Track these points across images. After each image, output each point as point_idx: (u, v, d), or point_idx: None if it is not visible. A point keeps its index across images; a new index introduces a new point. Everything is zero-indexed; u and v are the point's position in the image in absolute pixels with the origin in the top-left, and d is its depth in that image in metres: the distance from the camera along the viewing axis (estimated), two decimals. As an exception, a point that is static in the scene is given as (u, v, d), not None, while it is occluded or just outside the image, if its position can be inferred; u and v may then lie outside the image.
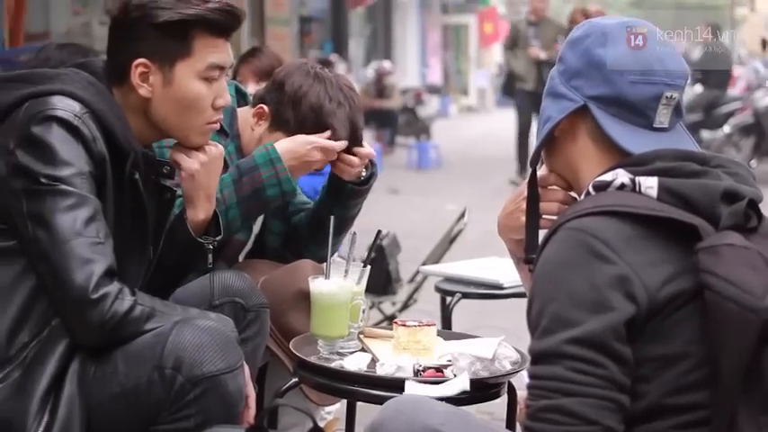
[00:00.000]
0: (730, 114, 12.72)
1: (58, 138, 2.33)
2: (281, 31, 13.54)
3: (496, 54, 27.87)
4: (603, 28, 2.04)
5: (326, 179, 3.21)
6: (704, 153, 2.00)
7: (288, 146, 3.01)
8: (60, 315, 2.34)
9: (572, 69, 2.05)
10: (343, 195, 3.18)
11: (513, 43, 12.73)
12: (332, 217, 2.90)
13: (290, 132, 3.05)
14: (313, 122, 3.04)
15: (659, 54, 2.02)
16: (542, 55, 12.10)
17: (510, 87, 13.01)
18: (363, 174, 3.18)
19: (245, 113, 3.15)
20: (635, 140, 1.99)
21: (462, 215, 5.22)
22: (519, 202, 2.26)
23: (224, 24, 2.53)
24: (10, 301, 2.35)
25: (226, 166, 2.94)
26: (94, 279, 2.28)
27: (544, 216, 2.17)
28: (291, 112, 3.05)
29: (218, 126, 2.64)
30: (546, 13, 12.95)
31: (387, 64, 18.56)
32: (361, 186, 3.18)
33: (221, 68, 2.55)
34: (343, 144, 3.01)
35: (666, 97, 2.00)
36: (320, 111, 3.04)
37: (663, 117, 2.01)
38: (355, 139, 3.09)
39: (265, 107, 3.10)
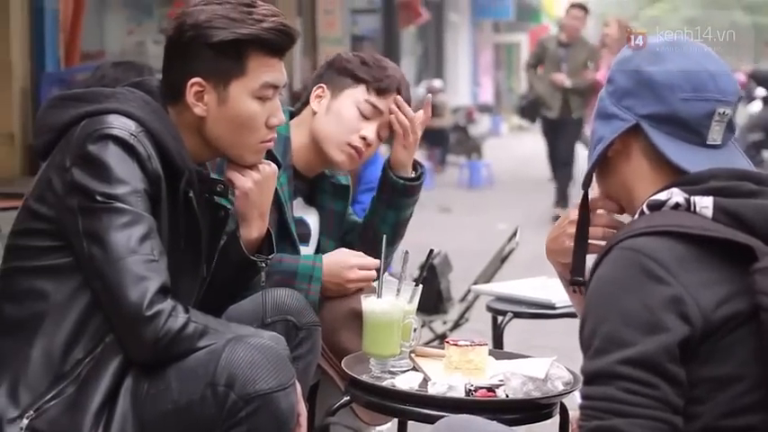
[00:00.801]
0: None
1: (113, 156, 2.35)
2: (333, 50, 13.57)
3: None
4: (653, 46, 2.04)
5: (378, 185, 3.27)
6: (760, 173, 1.98)
7: (332, 267, 3.04)
8: (114, 332, 2.36)
9: (622, 89, 2.04)
10: (396, 194, 3.22)
11: (538, 62, 11.67)
12: (384, 235, 2.91)
13: (354, 83, 3.16)
14: (371, 64, 3.17)
15: (711, 71, 2.00)
16: (567, 82, 10.99)
17: (532, 111, 12.00)
18: (413, 173, 3.25)
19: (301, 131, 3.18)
20: (689, 158, 1.97)
21: (514, 234, 5.21)
22: (565, 227, 2.25)
23: (278, 44, 2.54)
24: (65, 317, 2.37)
25: (277, 196, 2.98)
26: (148, 296, 2.29)
27: (590, 241, 2.17)
28: (350, 65, 3.18)
29: (272, 144, 2.66)
30: (580, 34, 11.64)
31: (437, 83, 18.57)
32: (413, 182, 3.23)
33: (275, 87, 2.57)
34: (377, 263, 3.01)
35: (719, 114, 1.99)
36: (378, 60, 3.21)
37: (716, 134, 2.00)
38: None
39: (323, 85, 3.18)
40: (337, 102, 3.16)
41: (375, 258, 3.02)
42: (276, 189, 2.90)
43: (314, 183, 3.26)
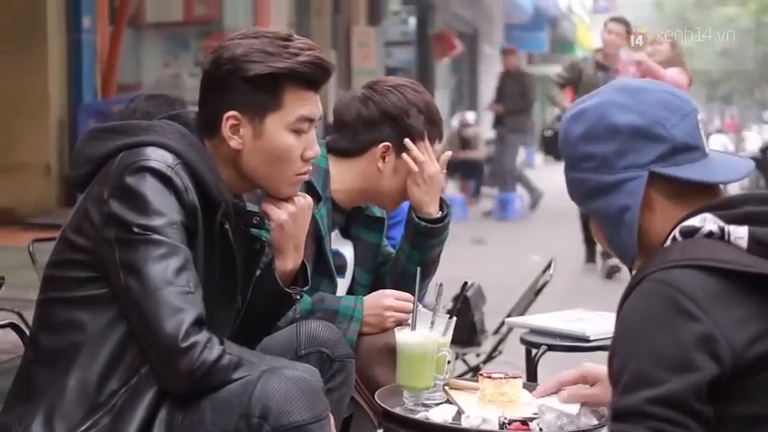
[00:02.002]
0: None
1: (151, 188, 2.37)
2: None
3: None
4: (609, 102, 2.01)
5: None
6: None
7: (372, 302, 3.09)
8: (150, 363, 2.37)
9: (609, 155, 1.98)
10: (420, 236, 3.21)
11: (566, 83, 10.10)
12: (418, 269, 2.92)
13: (420, 138, 3.18)
14: (429, 116, 3.20)
15: (667, 90, 2.03)
16: None
17: (554, 143, 10.08)
18: (438, 213, 3.23)
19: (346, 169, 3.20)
20: (709, 173, 1.96)
21: (548, 266, 5.19)
22: None
23: (314, 77, 2.56)
24: (101, 348, 2.38)
25: (317, 229, 3.01)
26: (184, 328, 2.30)
27: None
28: (413, 121, 3.18)
29: (307, 177, 2.67)
30: (620, 53, 9.84)
31: (470, 115, 18.58)
32: (435, 225, 3.21)
33: (311, 120, 2.58)
34: (411, 298, 3.02)
35: (700, 121, 2.00)
36: (434, 111, 3.23)
37: (705, 140, 2.01)
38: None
39: (388, 143, 3.17)
40: (401, 161, 3.17)
41: (407, 292, 3.06)
42: (317, 221, 2.92)
43: (349, 214, 3.27)
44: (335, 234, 3.22)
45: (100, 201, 2.39)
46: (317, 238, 3.07)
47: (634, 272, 2.06)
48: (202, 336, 2.32)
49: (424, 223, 3.21)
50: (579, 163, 2.03)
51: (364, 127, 3.17)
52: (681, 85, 8.20)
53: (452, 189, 15.74)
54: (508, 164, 15.08)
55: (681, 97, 2.01)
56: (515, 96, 14.70)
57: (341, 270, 3.22)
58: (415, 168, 3.17)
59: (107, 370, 2.37)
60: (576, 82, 9.84)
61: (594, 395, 2.46)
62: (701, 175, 1.96)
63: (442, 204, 3.27)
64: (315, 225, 3.04)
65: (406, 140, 3.16)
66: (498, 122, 14.84)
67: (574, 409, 2.51)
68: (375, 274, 3.31)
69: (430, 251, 3.25)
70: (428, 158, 3.18)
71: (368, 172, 3.17)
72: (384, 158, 3.16)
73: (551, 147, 10.95)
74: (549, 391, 2.52)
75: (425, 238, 3.22)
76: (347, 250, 3.27)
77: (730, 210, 1.90)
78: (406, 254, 3.25)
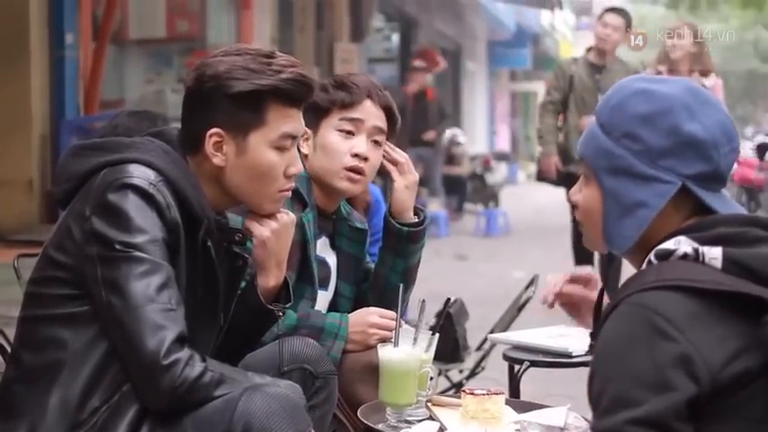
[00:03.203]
0: None
1: (133, 205, 2.37)
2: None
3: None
4: (680, 100, 1.97)
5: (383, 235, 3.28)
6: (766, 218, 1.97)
7: (357, 320, 3.08)
8: (131, 380, 2.36)
9: (657, 149, 1.96)
10: (402, 241, 3.23)
11: (563, 101, 8.12)
12: (401, 285, 2.93)
13: (325, 112, 3.17)
14: (331, 87, 3.19)
15: (730, 117, 2.00)
16: None
17: (546, 169, 8.24)
18: (415, 218, 3.26)
19: None
20: (726, 207, 1.97)
21: (531, 283, 5.20)
22: None
23: (297, 94, 2.56)
24: (82, 365, 2.37)
25: (304, 234, 3.02)
26: (166, 345, 2.30)
27: None
28: (313, 99, 3.13)
29: (289, 194, 2.67)
30: (616, 50, 8.19)
31: (459, 133, 18.61)
32: (417, 228, 3.23)
33: (293, 137, 2.58)
34: (391, 323, 3.02)
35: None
36: (338, 79, 3.22)
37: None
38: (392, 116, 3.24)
39: (306, 128, 3.18)
40: (319, 136, 3.19)
41: (391, 309, 3.07)
42: (303, 226, 2.93)
43: (334, 225, 3.28)
44: (323, 242, 3.23)
45: (82, 218, 2.39)
46: (302, 244, 3.07)
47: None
48: (184, 353, 2.32)
49: (406, 228, 3.23)
50: (623, 138, 1.98)
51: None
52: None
53: (435, 205, 15.76)
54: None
55: (735, 129, 2.00)
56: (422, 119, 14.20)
57: (324, 282, 3.22)
58: (396, 172, 3.20)
59: (88, 388, 2.37)
60: (565, 91, 8.06)
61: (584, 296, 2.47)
62: (722, 206, 1.96)
63: (416, 209, 3.31)
64: (301, 231, 3.05)
65: (386, 143, 3.20)
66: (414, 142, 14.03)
67: (558, 423, 2.52)
68: (358, 288, 3.32)
69: (413, 257, 3.28)
70: (406, 159, 3.22)
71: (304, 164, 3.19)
72: (306, 142, 3.20)
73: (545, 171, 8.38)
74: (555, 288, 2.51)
75: (408, 244, 3.24)
76: (332, 260, 3.27)
77: (703, 232, 1.90)
78: (390, 265, 3.26)
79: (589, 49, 8.28)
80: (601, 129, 2.03)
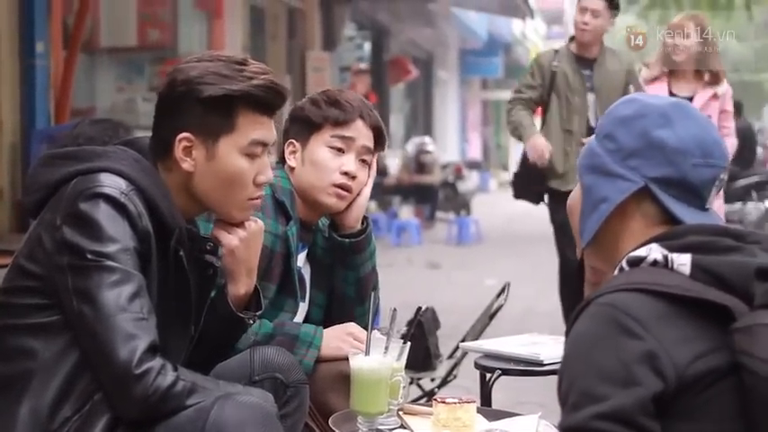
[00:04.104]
0: (750, 188, 12.57)
1: (104, 214, 2.37)
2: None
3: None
4: (660, 108, 2.03)
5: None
6: (739, 229, 2.00)
7: (333, 333, 3.09)
8: (103, 390, 2.36)
9: (627, 148, 2.02)
10: (349, 254, 3.23)
11: (532, 97, 6.71)
12: (372, 294, 2.94)
13: (317, 128, 3.18)
14: (324, 103, 3.20)
15: (715, 137, 2.03)
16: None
17: (526, 184, 6.88)
18: (358, 226, 3.26)
19: None
20: (697, 219, 1.99)
21: (503, 290, 5.21)
22: None
23: (268, 101, 2.57)
24: (53, 375, 2.37)
25: (288, 247, 3.06)
26: (138, 354, 2.30)
27: None
28: (305, 113, 3.22)
29: (260, 202, 2.67)
30: (602, 40, 6.75)
31: (428, 141, 18.65)
32: (359, 237, 3.23)
33: (264, 145, 2.59)
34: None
35: (720, 179, 2.02)
36: (331, 96, 3.22)
37: (711, 198, 2.03)
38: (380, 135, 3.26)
39: (293, 140, 3.22)
40: (308, 150, 3.19)
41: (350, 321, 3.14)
42: (288, 240, 2.93)
43: (313, 236, 3.28)
44: (303, 255, 3.23)
45: (53, 227, 2.38)
46: (286, 258, 3.08)
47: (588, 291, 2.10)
48: (156, 362, 2.32)
49: (348, 240, 3.23)
50: (604, 138, 2.06)
51: (283, 140, 3.26)
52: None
53: (407, 214, 15.78)
54: None
55: (720, 150, 2.02)
56: None
57: (302, 294, 3.22)
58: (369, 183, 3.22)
59: (59, 398, 2.36)
60: (544, 90, 6.68)
61: None
62: (685, 216, 1.98)
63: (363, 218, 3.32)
64: (285, 244, 3.06)
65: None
66: None
67: (530, 430, 2.52)
68: (330, 296, 3.31)
69: (363, 267, 3.27)
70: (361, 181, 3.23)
71: (289, 177, 3.21)
72: (294, 155, 3.21)
73: (522, 186, 6.98)
74: None
75: (355, 254, 3.24)
76: (307, 270, 3.28)
77: (675, 240, 1.93)
78: (342, 278, 3.26)
79: (571, 39, 6.82)
80: (595, 134, 2.12)
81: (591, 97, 6.66)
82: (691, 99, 6.10)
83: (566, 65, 6.70)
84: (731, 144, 6.41)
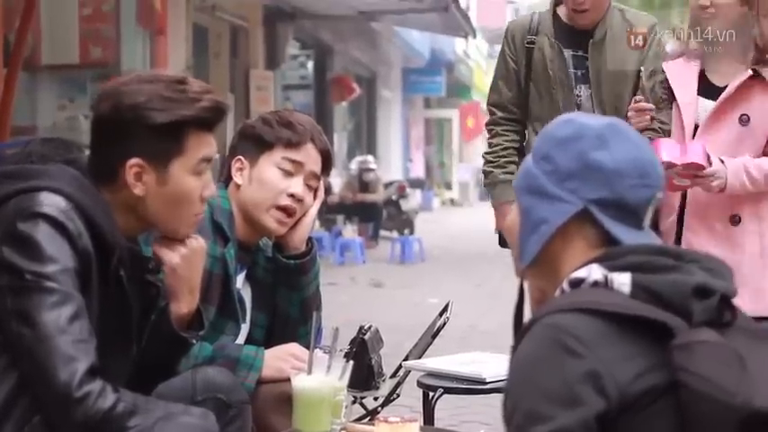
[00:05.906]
0: None
1: (43, 234, 2.34)
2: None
3: (480, 148, 27.86)
4: (596, 130, 2.04)
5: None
6: (678, 248, 2.03)
7: (275, 353, 3.09)
8: (43, 412, 2.33)
9: (564, 171, 2.03)
10: (294, 275, 3.23)
11: (515, 115, 4.52)
12: (314, 313, 2.94)
13: (267, 147, 3.18)
14: (276, 124, 3.19)
15: (650, 158, 2.05)
16: None
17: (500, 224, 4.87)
18: (303, 248, 3.25)
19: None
20: (636, 239, 2.01)
21: (445, 309, 5.22)
22: None
23: (214, 121, 2.57)
24: (-8, 397, 2.34)
25: (226, 269, 3.06)
26: (78, 377, 2.27)
27: None
28: (256, 131, 3.21)
29: (201, 217, 2.67)
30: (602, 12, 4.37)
31: (371, 159, 18.69)
32: (304, 259, 3.23)
33: (209, 160, 2.59)
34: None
35: (656, 199, 2.04)
36: (284, 117, 3.22)
37: (647, 217, 2.05)
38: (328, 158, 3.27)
39: (241, 157, 3.20)
40: (257, 169, 3.19)
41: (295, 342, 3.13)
42: (226, 262, 2.93)
43: (253, 257, 3.27)
44: (241, 276, 3.22)
45: (-9, 247, 2.35)
46: (224, 280, 3.07)
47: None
48: (96, 384, 2.29)
49: (293, 261, 3.22)
50: (540, 159, 2.07)
51: (229, 157, 3.25)
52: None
53: (351, 232, 15.77)
54: None
55: (656, 171, 2.05)
56: None
57: (243, 315, 3.21)
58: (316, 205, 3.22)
59: (-2, 419, 2.33)
60: (524, 75, 4.47)
61: None
62: (625, 237, 2.00)
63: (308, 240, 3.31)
64: (223, 266, 3.05)
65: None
66: None
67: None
68: (271, 317, 3.30)
69: (308, 288, 3.27)
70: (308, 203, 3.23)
71: (234, 194, 3.20)
72: (240, 172, 3.21)
73: None
74: None
75: (300, 275, 3.24)
76: (247, 292, 3.27)
77: (615, 260, 1.95)
78: (286, 298, 3.26)
79: (558, 4, 4.52)
80: (531, 154, 2.12)
81: (583, 90, 4.44)
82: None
83: (545, 46, 4.44)
84: None
